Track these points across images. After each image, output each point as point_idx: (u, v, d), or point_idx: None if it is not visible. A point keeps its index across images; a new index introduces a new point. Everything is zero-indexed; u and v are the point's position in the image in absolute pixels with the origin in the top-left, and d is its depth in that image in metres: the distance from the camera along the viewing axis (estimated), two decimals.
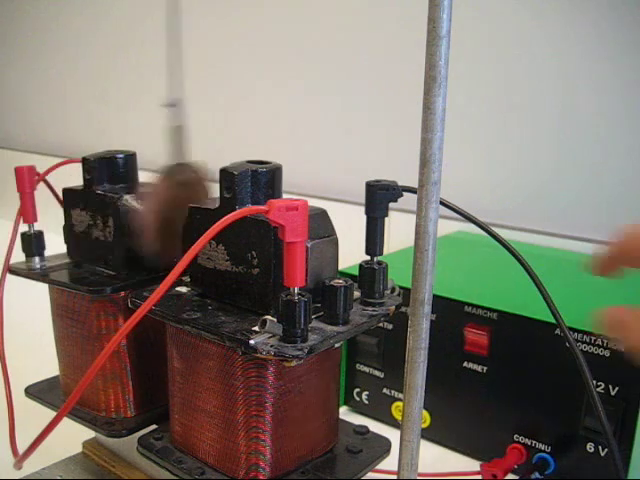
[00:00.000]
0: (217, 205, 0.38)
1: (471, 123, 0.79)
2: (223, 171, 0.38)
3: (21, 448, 0.43)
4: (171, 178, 0.44)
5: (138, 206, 0.45)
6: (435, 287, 0.31)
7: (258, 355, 0.33)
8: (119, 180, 0.47)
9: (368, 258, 0.39)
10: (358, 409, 0.62)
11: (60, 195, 0.49)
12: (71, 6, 1.28)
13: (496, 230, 0.40)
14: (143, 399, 0.47)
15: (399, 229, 0.66)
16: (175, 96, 0.43)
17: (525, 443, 0.52)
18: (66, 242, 0.49)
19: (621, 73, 0.69)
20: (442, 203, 0.34)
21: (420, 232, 0.29)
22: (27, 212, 0.48)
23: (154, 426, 0.45)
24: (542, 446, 0.51)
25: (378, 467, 0.42)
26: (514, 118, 0.76)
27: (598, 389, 0.47)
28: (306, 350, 0.32)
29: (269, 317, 0.34)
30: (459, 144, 0.79)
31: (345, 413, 0.63)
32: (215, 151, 1.09)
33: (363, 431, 0.44)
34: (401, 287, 0.42)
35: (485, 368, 0.53)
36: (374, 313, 0.38)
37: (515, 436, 0.52)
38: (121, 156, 0.47)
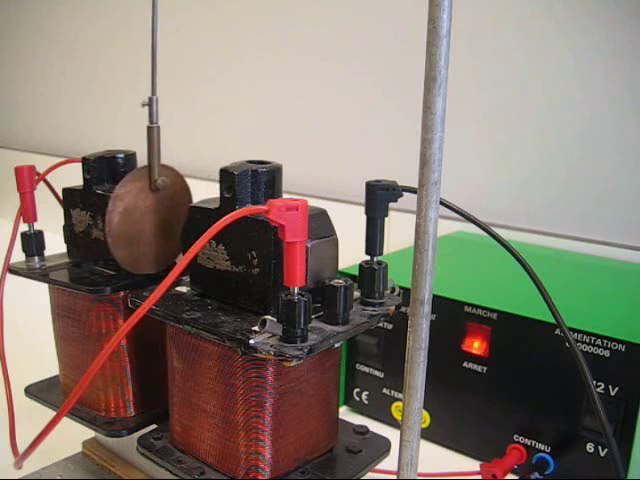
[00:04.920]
0: (217, 205, 0.38)
1: (472, 122, 0.79)
2: (223, 171, 0.38)
3: (21, 448, 0.43)
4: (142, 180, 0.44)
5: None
6: (435, 287, 0.31)
7: (258, 355, 0.33)
8: (119, 180, 0.46)
9: (368, 258, 0.39)
10: (358, 409, 0.62)
11: (60, 195, 0.49)
12: (71, 5, 1.28)
13: (496, 230, 0.40)
14: (143, 399, 0.47)
15: (399, 229, 0.66)
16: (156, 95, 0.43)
17: (525, 443, 0.52)
18: (66, 242, 0.49)
19: (630, 74, 0.69)
20: (442, 203, 0.34)
21: (420, 232, 0.29)
22: (27, 212, 0.48)
23: (154, 426, 0.45)
24: (542, 446, 0.51)
25: (378, 467, 0.42)
26: (516, 118, 0.76)
27: (598, 389, 0.47)
28: (306, 350, 0.32)
29: (269, 317, 0.34)
30: (460, 144, 0.79)
31: (345, 413, 0.62)
32: (215, 150, 1.09)
33: (363, 431, 0.43)
34: (401, 287, 0.42)
35: (485, 368, 0.53)
36: (374, 313, 0.38)
37: (515, 436, 0.52)
38: (121, 156, 0.47)
